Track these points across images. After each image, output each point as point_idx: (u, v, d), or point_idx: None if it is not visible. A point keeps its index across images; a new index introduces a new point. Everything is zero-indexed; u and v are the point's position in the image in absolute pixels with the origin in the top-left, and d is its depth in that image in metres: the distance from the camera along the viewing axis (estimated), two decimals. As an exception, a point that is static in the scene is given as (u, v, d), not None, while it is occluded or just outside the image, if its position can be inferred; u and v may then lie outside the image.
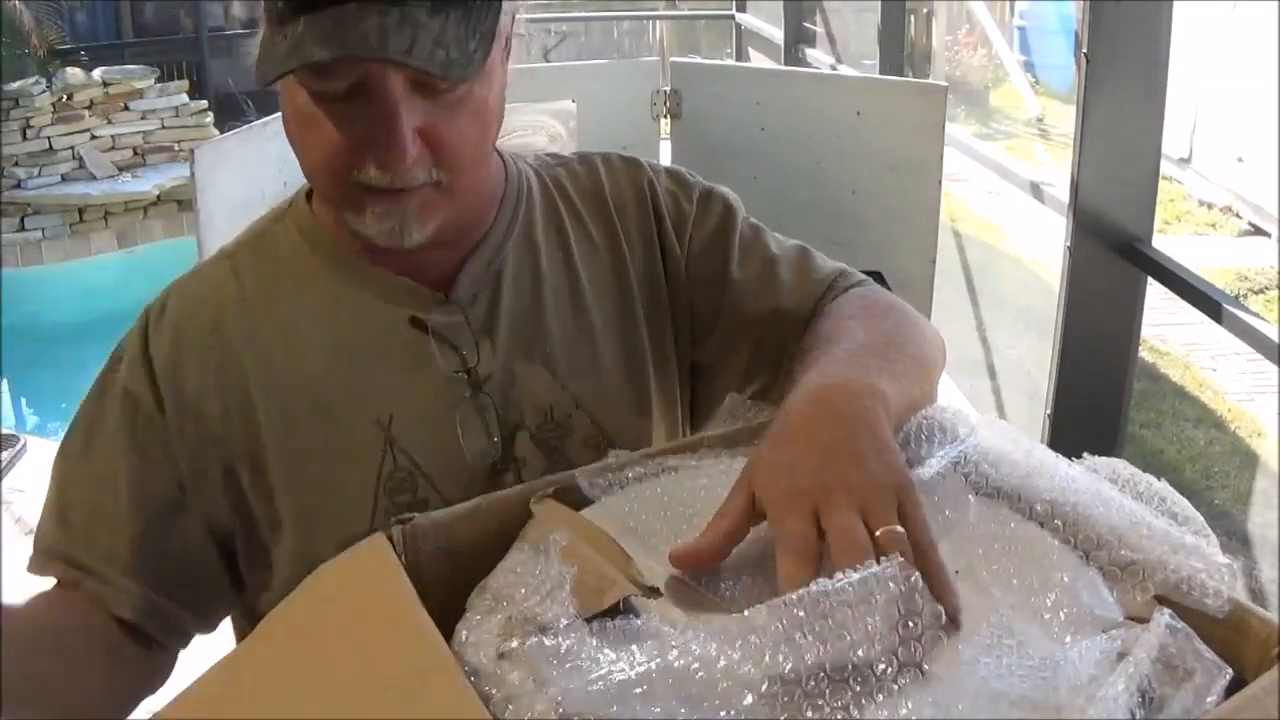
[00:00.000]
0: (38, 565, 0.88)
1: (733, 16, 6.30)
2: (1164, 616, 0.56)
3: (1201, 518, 0.64)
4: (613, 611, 0.59)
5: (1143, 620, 0.58)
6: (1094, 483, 0.67)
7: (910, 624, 0.54)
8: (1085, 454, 0.71)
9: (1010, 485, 0.68)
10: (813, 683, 0.53)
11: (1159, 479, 0.67)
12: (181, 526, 0.88)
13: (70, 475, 0.89)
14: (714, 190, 1.03)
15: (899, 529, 0.61)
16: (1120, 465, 0.68)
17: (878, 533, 0.61)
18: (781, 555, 0.62)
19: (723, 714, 0.52)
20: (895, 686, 0.53)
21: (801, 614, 0.54)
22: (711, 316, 0.98)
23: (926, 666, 0.54)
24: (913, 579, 0.55)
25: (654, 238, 0.99)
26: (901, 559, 0.57)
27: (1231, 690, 0.54)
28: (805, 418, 0.71)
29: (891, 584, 0.55)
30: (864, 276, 1.01)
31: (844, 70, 4.56)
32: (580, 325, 0.95)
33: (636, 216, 1.00)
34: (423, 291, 0.91)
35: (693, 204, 1.01)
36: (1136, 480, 0.67)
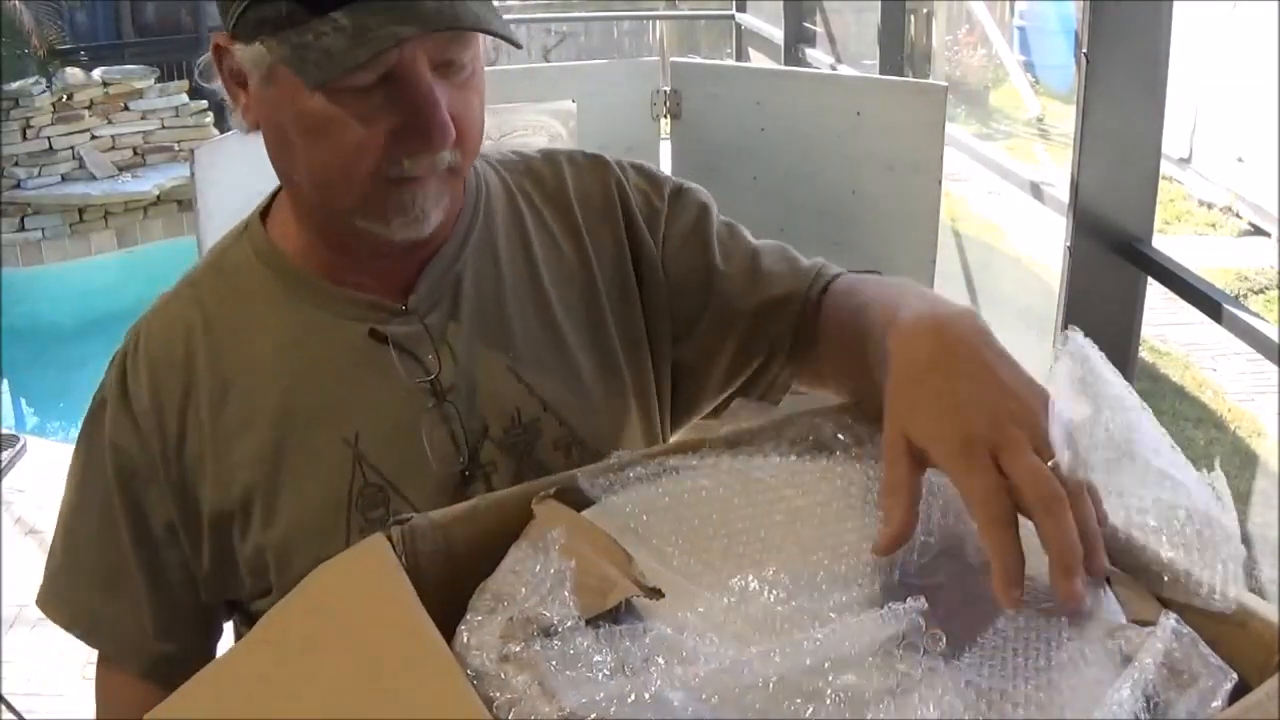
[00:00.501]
0: (48, 605, 0.94)
1: (733, 16, 6.30)
2: (1169, 620, 0.56)
3: (1234, 513, 0.63)
4: (614, 612, 0.59)
5: (1147, 623, 0.58)
6: (1137, 429, 0.66)
7: (917, 649, 0.55)
8: None
9: None
10: (819, 684, 0.53)
11: (1214, 469, 0.65)
12: (179, 563, 0.91)
13: (74, 530, 0.93)
14: (684, 186, 1.01)
15: (1077, 472, 0.61)
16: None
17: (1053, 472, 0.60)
18: (981, 521, 0.60)
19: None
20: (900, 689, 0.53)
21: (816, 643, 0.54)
22: (695, 312, 0.97)
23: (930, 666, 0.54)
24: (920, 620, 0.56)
25: (623, 237, 0.97)
26: (920, 602, 0.56)
27: (1235, 694, 0.54)
28: (933, 346, 0.68)
29: (906, 621, 0.55)
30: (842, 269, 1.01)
31: (844, 70, 4.56)
32: (545, 326, 0.93)
33: (603, 215, 0.98)
34: (381, 303, 0.90)
35: (664, 200, 0.99)
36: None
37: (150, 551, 0.90)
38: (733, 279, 0.96)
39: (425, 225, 0.84)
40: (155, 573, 0.90)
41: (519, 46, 0.82)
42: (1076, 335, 0.69)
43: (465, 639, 0.58)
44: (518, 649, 0.56)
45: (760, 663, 0.53)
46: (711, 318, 0.96)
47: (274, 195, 0.95)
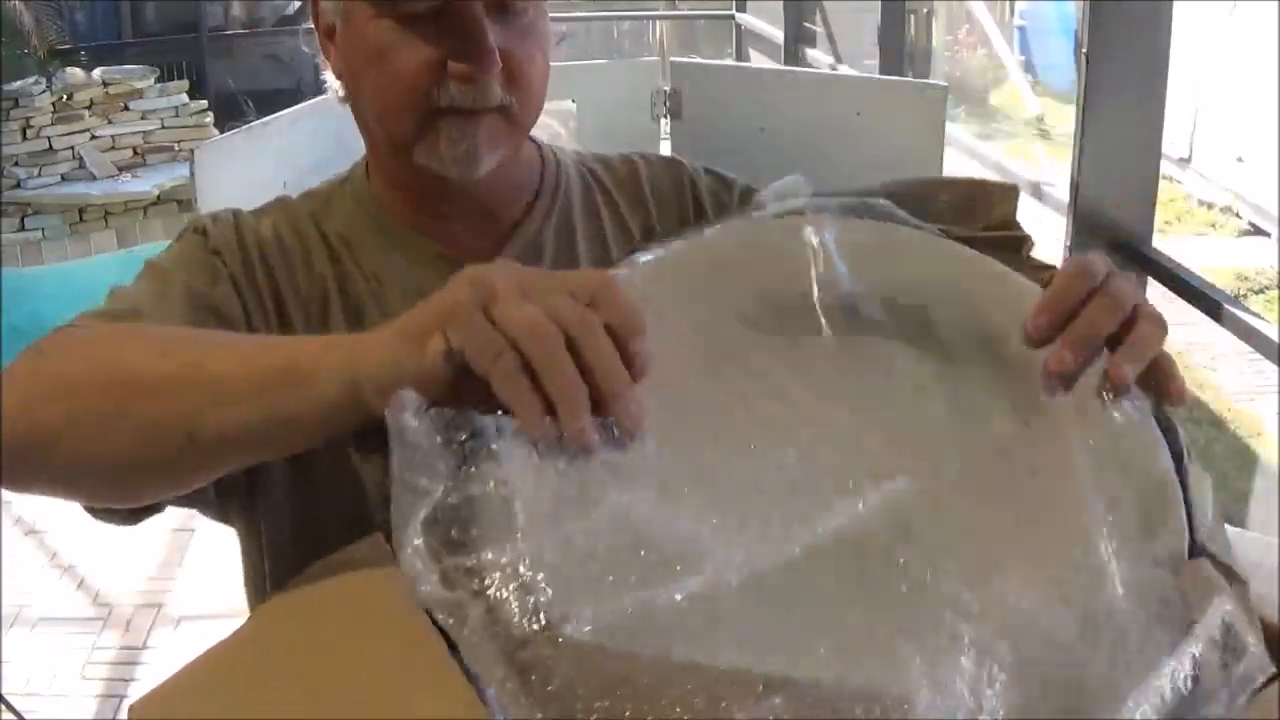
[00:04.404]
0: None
1: (733, 16, 6.30)
2: (1225, 604, 0.56)
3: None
4: None
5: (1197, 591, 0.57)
6: None
7: None
8: None
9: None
10: None
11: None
12: None
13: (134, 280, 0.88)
14: (750, 186, 1.07)
15: None
16: None
17: None
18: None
19: None
20: None
21: None
22: None
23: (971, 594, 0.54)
24: None
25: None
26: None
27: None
28: None
29: None
30: None
31: (844, 70, 4.55)
32: None
33: (675, 210, 1.02)
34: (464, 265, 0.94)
35: (734, 199, 1.05)
36: None
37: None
38: None
39: (477, 165, 0.87)
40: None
41: None
42: None
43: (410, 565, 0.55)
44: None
45: None
46: None
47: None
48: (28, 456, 0.69)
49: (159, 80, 7.43)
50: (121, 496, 0.74)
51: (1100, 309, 0.65)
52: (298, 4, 9.72)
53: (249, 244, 0.91)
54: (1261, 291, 6.12)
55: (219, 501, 0.88)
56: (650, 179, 1.04)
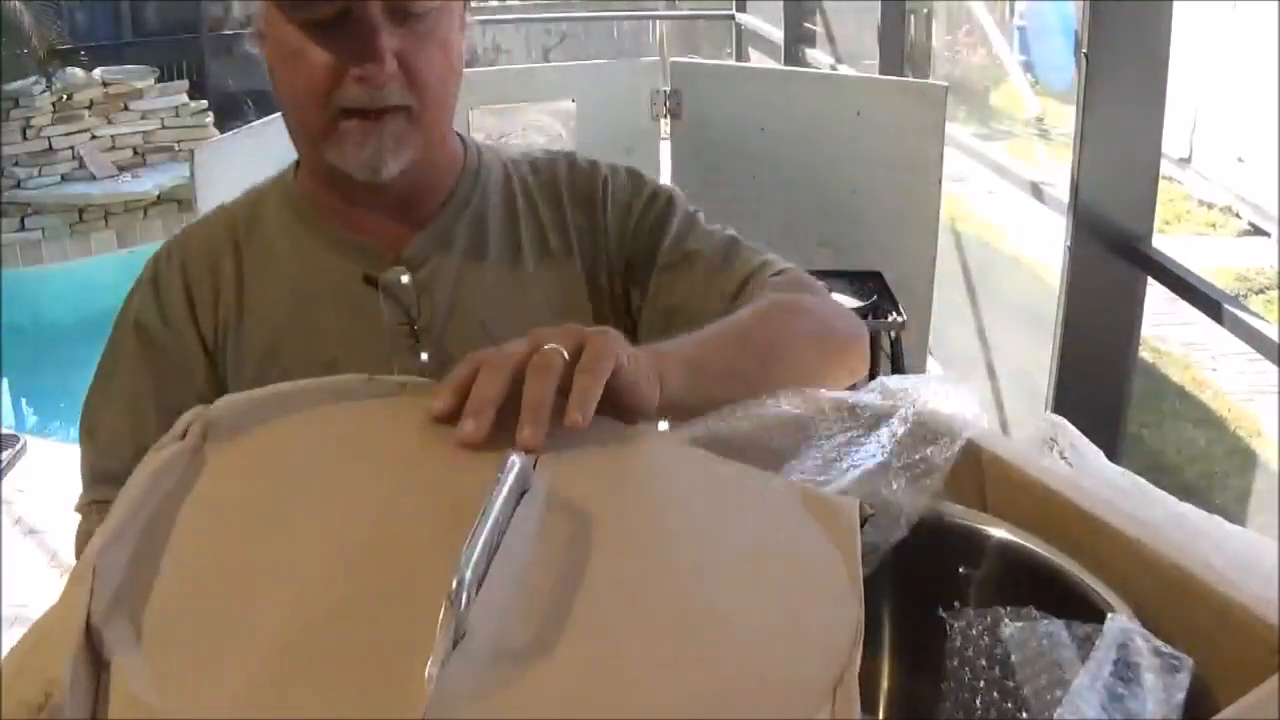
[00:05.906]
0: (80, 499, 1.01)
1: (733, 16, 6.30)
2: (1119, 619, 0.56)
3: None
4: None
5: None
6: None
7: None
8: None
9: None
10: None
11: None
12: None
13: (97, 406, 1.02)
14: (660, 187, 1.12)
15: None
16: None
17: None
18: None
19: None
20: None
21: None
22: (646, 299, 1.06)
23: None
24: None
25: (603, 228, 1.08)
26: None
27: (1196, 684, 0.53)
28: None
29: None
30: (788, 266, 1.06)
31: (844, 70, 4.56)
32: (521, 299, 1.04)
33: (586, 209, 1.08)
34: (377, 251, 1.02)
35: (641, 198, 1.09)
36: None
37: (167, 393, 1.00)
38: (670, 274, 1.05)
39: (382, 169, 0.95)
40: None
41: None
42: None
43: None
44: None
45: None
46: (655, 306, 1.06)
47: None
48: None
49: (159, 80, 7.43)
50: None
51: (483, 378, 0.68)
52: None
53: (167, 309, 1.02)
54: (1261, 291, 6.12)
55: None
56: (569, 181, 1.09)
